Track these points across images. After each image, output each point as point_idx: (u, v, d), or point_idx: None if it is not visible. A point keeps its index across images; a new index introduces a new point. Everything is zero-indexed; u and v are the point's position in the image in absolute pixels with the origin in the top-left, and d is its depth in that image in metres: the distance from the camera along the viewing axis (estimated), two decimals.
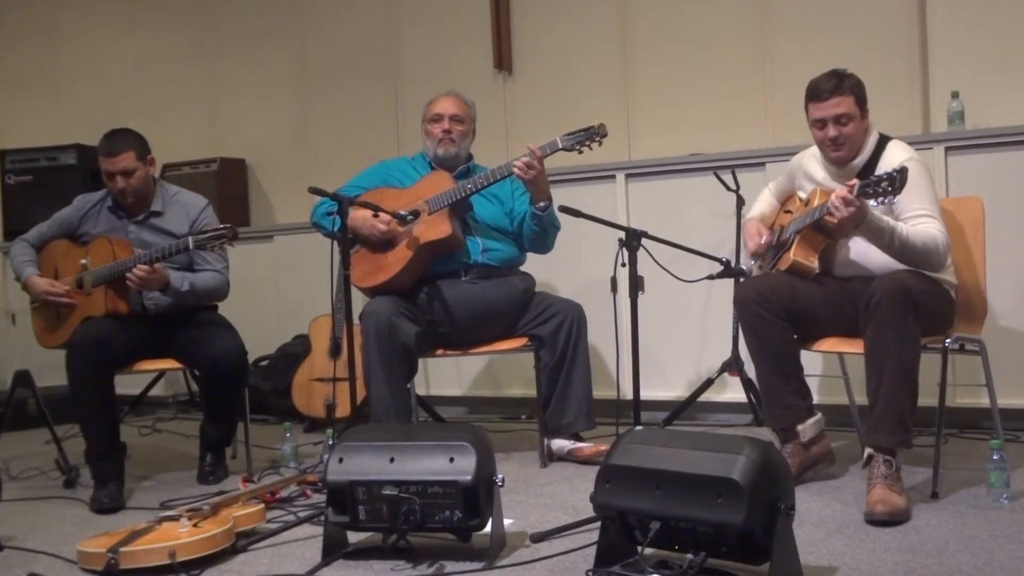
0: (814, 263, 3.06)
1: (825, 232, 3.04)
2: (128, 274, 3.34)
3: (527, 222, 3.59)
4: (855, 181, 2.83)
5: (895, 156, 2.99)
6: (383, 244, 3.54)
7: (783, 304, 3.01)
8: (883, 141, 3.07)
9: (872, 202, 2.75)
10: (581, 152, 3.42)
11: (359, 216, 3.49)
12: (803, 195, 3.22)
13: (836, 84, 2.99)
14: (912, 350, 2.76)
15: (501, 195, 3.68)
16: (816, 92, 3.02)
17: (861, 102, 3.02)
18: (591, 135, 3.38)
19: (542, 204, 3.51)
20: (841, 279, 3.08)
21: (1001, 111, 3.87)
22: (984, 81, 3.97)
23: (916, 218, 2.90)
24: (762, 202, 3.44)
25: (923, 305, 2.79)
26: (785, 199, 3.38)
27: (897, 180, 2.67)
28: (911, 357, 2.75)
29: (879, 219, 2.84)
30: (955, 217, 3.17)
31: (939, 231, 2.89)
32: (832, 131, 3.00)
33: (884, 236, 2.86)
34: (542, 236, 3.60)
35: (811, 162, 3.21)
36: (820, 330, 3.09)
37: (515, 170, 3.40)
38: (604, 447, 3.32)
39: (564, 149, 3.41)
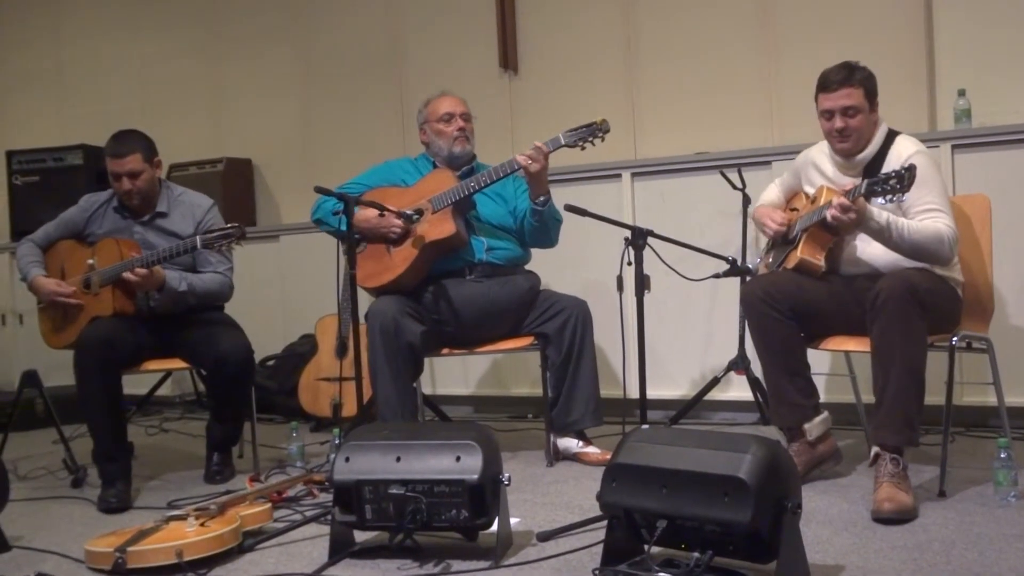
0: (821, 261, 3.06)
1: (831, 230, 3.03)
2: (126, 273, 3.35)
3: (527, 218, 3.59)
4: (851, 186, 2.83)
5: (904, 150, 2.99)
6: (390, 242, 3.53)
7: (790, 302, 3.00)
8: (891, 135, 3.07)
9: (880, 200, 2.75)
10: (584, 148, 3.42)
11: (371, 218, 3.48)
12: (810, 190, 3.21)
13: (846, 76, 2.99)
14: (919, 348, 2.75)
15: (505, 194, 3.68)
16: (826, 83, 3.02)
17: (871, 95, 3.01)
18: (593, 131, 3.38)
19: (541, 199, 3.51)
20: (847, 277, 3.08)
21: (1008, 109, 3.85)
22: (991, 79, 3.95)
23: (924, 213, 2.90)
24: (770, 195, 3.44)
25: (929, 303, 2.78)
26: (791, 196, 3.37)
27: (905, 178, 2.67)
28: (918, 355, 2.74)
29: (878, 218, 2.84)
30: (962, 214, 3.16)
31: (946, 225, 2.89)
32: (839, 122, 3.00)
33: (885, 234, 2.87)
34: (543, 230, 3.60)
35: (820, 156, 3.21)
36: (827, 328, 3.08)
37: (520, 158, 3.39)
38: (610, 455, 3.31)
39: (567, 145, 3.41)
